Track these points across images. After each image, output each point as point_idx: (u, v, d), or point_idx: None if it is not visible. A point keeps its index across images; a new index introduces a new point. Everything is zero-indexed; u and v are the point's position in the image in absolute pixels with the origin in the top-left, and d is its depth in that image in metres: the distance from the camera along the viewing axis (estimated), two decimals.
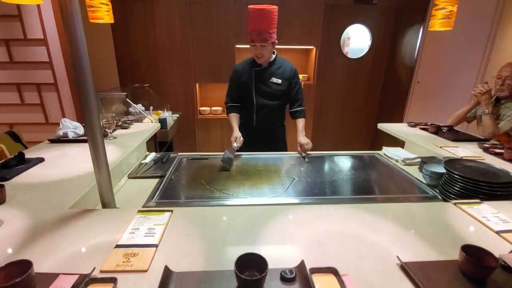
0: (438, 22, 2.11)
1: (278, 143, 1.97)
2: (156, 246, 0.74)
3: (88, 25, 2.06)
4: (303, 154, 1.73)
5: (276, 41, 1.68)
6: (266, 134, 1.90)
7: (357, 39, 3.80)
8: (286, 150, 1.97)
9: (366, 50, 3.83)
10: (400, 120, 3.59)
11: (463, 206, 0.97)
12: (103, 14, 1.95)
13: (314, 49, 3.38)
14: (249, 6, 1.58)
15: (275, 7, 1.58)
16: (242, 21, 3.18)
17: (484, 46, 3.30)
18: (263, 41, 1.60)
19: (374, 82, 4.03)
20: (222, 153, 1.62)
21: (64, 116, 2.79)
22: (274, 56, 1.78)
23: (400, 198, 1.27)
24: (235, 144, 1.65)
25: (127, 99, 2.63)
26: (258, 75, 1.77)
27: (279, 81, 1.78)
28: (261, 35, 1.59)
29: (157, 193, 1.24)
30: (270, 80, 1.77)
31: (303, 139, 1.74)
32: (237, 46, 3.30)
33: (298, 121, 1.85)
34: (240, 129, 1.80)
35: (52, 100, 2.76)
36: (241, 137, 1.70)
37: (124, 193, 1.27)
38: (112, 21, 2.05)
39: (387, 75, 3.94)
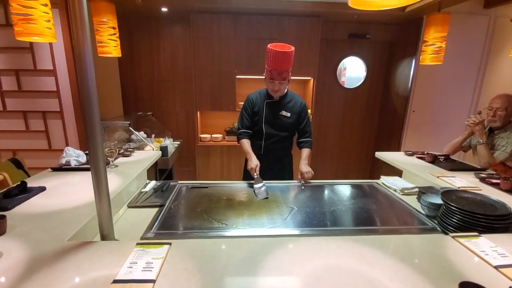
0: (429, 57, 2.24)
1: (285, 171, 2.03)
2: (153, 281, 0.74)
3: (96, 58, 2.17)
4: (302, 182, 1.75)
5: (291, 77, 1.81)
6: (273, 162, 1.95)
7: (353, 69, 3.97)
8: (293, 179, 2.02)
9: (362, 80, 3.98)
10: (397, 148, 3.63)
11: (462, 240, 0.97)
12: (111, 49, 2.07)
13: (312, 79, 3.51)
14: (271, 47, 1.67)
15: (293, 48, 1.70)
16: (243, 53, 3.35)
17: (475, 78, 3.44)
18: (282, 79, 1.73)
19: (371, 111, 4.14)
20: (222, 182, 1.64)
21: (67, 143, 2.84)
22: (285, 90, 1.89)
23: (400, 229, 1.27)
24: (256, 175, 1.68)
25: (130, 128, 2.69)
26: (270, 107, 1.87)
27: (288, 114, 1.88)
28: (281, 75, 1.71)
29: (156, 223, 1.24)
30: (280, 113, 1.87)
31: (304, 167, 1.79)
32: (237, 76, 3.44)
33: (303, 150, 1.94)
34: None
35: (57, 128, 2.83)
36: (259, 164, 1.73)
37: (123, 223, 1.27)
38: (120, 55, 2.17)
39: (383, 104, 4.06)
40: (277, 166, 1.98)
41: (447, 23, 2.17)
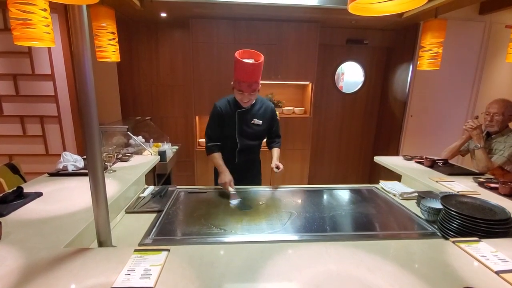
0: (426, 62, 2.26)
1: (256, 175, 2.02)
2: None
3: (95, 63, 2.17)
4: (278, 171, 1.76)
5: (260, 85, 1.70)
6: (246, 170, 1.91)
7: (351, 74, 4.00)
8: (261, 181, 2.03)
9: (360, 85, 4.01)
10: (396, 152, 3.64)
11: (462, 245, 0.97)
12: (110, 54, 2.07)
13: (310, 84, 3.53)
14: (238, 57, 1.56)
15: (262, 58, 1.60)
16: None
17: (471, 83, 3.47)
18: (252, 91, 1.63)
19: (369, 115, 4.15)
20: (221, 187, 1.63)
21: (65, 148, 2.82)
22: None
23: (399, 234, 1.26)
24: (232, 190, 1.62)
25: (128, 132, 2.68)
26: (241, 116, 1.77)
27: (260, 122, 1.80)
28: (251, 86, 1.61)
29: (154, 229, 1.23)
30: (252, 122, 1.79)
31: (277, 162, 1.81)
32: None
33: (274, 150, 1.92)
34: None
35: (54, 132, 2.81)
36: (232, 179, 1.68)
37: (121, 229, 1.25)
38: (119, 60, 2.17)
39: (381, 109, 4.08)
40: (249, 174, 1.94)
41: (443, 29, 2.19)
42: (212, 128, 1.80)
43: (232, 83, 1.68)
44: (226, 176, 1.68)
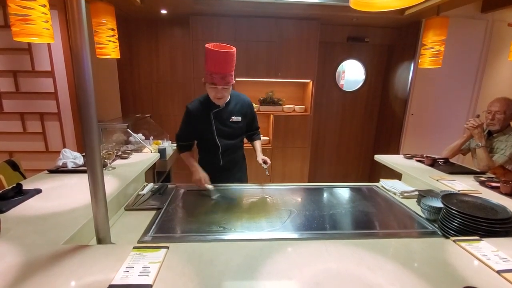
0: (427, 60, 2.24)
1: (243, 172, 1.96)
2: (150, 286, 0.72)
3: (95, 59, 2.17)
4: (266, 169, 1.72)
5: (234, 81, 1.62)
6: (232, 168, 1.86)
7: (352, 72, 3.98)
8: (247, 179, 1.98)
9: (361, 83, 3.99)
10: (396, 151, 3.63)
11: (463, 244, 0.96)
12: (110, 50, 2.06)
13: (311, 82, 3.51)
14: (209, 46, 1.49)
15: (234, 49, 1.53)
16: (242, 56, 3.34)
17: (473, 81, 3.46)
18: (226, 84, 1.54)
19: (369, 113, 4.14)
20: (220, 184, 1.63)
21: (64, 145, 2.81)
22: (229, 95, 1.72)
23: (400, 233, 1.26)
24: (209, 186, 1.59)
25: (128, 130, 2.67)
26: (217, 116, 1.68)
27: (239, 118, 1.72)
28: (224, 78, 1.52)
29: (153, 227, 1.23)
30: (230, 120, 1.70)
31: (262, 156, 1.78)
32: (236, 79, 3.43)
33: (255, 142, 1.88)
34: (205, 169, 1.69)
35: (54, 129, 2.80)
36: (206, 176, 1.64)
37: (120, 226, 1.25)
38: (118, 57, 2.16)
39: (381, 107, 4.07)
40: (236, 171, 1.88)
41: (445, 26, 2.17)
42: (182, 129, 1.74)
43: (203, 79, 1.59)
44: (199, 173, 1.62)
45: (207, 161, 1.78)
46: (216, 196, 1.55)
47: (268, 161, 1.73)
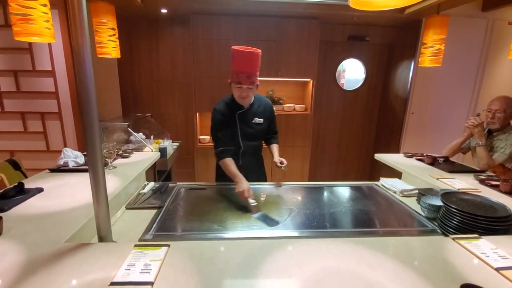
0: (428, 59, 2.24)
1: (261, 173, 1.98)
2: (151, 284, 0.73)
3: (95, 59, 2.17)
4: (284, 167, 1.73)
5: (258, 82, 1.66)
6: (251, 171, 1.84)
7: (352, 71, 3.98)
8: (266, 178, 2.00)
9: (361, 82, 3.99)
10: (396, 150, 3.63)
11: (462, 242, 0.97)
12: (110, 50, 2.06)
13: (311, 81, 3.51)
14: (235, 48, 1.55)
15: (260, 50, 1.58)
16: None
17: (473, 80, 3.45)
18: (251, 83, 1.58)
19: (370, 112, 4.14)
20: (221, 183, 1.64)
21: (65, 144, 2.82)
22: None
23: (400, 231, 1.26)
24: (252, 201, 1.42)
25: (129, 129, 2.68)
26: (241, 117, 1.72)
27: (261, 120, 1.76)
28: (249, 78, 1.57)
29: (155, 225, 1.23)
30: (253, 121, 1.75)
31: (279, 157, 1.79)
32: None
33: (273, 146, 1.90)
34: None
35: (55, 129, 2.81)
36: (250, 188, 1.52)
37: (121, 224, 1.26)
38: (119, 56, 2.16)
39: (382, 106, 4.07)
40: (254, 175, 1.87)
41: (446, 25, 2.17)
42: (219, 133, 1.68)
43: (229, 79, 1.64)
44: (244, 183, 1.49)
45: None
46: (257, 215, 1.35)
47: (285, 161, 1.75)
